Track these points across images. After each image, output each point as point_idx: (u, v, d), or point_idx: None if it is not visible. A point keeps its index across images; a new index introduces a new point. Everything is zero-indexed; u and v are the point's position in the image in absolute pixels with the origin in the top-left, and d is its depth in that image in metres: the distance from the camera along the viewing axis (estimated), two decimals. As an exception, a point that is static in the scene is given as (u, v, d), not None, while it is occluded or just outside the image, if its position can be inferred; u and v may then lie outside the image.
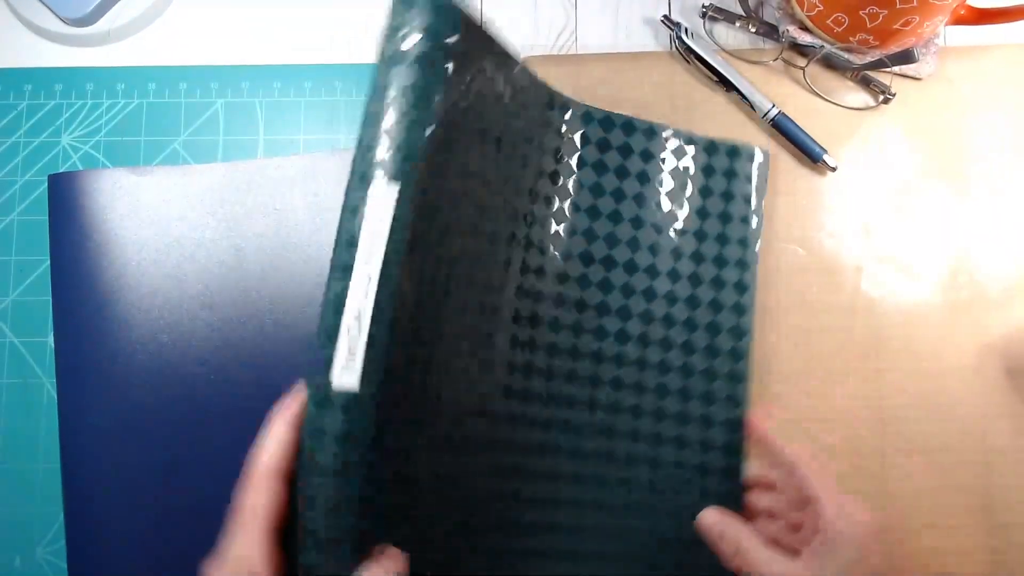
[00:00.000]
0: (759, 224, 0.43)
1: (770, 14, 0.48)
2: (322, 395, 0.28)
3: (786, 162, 0.46)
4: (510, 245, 0.40)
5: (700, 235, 0.43)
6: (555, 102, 0.42)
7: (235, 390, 0.42)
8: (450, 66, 0.32)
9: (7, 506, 0.42)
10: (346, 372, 0.28)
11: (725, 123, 0.46)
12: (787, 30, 0.46)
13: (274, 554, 0.27)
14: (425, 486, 0.33)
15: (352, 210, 0.30)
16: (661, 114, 0.46)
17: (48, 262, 0.44)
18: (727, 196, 0.43)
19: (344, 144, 0.46)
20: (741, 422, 0.41)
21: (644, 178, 0.43)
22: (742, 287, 0.42)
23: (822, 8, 0.44)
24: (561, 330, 0.41)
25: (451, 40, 0.32)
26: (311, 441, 0.28)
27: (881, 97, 0.46)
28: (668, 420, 0.41)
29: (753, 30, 0.47)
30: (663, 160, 0.43)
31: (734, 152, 0.44)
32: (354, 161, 0.31)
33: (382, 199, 0.30)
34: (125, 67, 0.47)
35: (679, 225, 0.43)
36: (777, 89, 0.46)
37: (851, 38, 0.45)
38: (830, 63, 0.46)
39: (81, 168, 0.45)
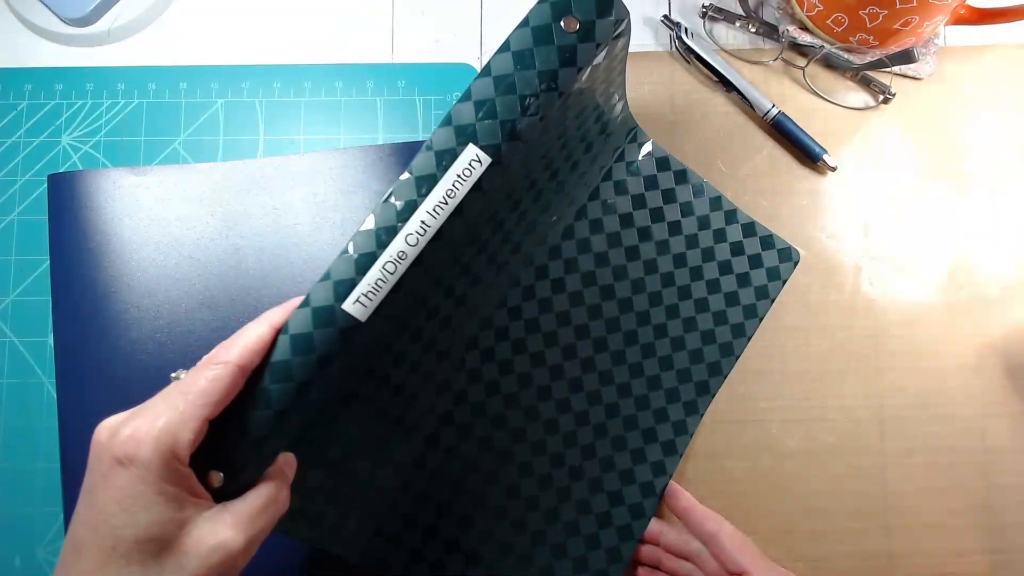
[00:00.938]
0: (758, 322, 0.43)
1: (770, 14, 0.48)
2: (326, 314, 0.28)
3: (786, 162, 0.46)
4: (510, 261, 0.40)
5: (701, 305, 0.43)
6: (635, 135, 0.44)
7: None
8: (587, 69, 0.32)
9: (7, 506, 0.42)
10: (360, 303, 0.29)
11: (725, 123, 0.46)
12: (787, 30, 0.46)
13: (198, 442, 0.27)
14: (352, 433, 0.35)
15: (441, 153, 0.30)
16: (661, 114, 0.46)
17: (48, 262, 0.44)
18: (743, 280, 0.43)
19: (344, 144, 0.46)
20: (658, 490, 0.41)
21: (676, 229, 0.43)
22: (716, 369, 0.42)
23: (822, 8, 0.44)
24: (533, 333, 0.42)
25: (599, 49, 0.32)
26: (293, 351, 0.28)
27: (881, 97, 0.46)
28: (594, 461, 0.41)
29: (753, 30, 0.47)
30: (699, 220, 0.43)
31: (768, 242, 0.44)
32: (458, 111, 0.30)
33: (477, 163, 0.30)
34: (125, 67, 0.47)
35: (687, 287, 0.43)
36: (777, 89, 0.46)
37: (851, 38, 0.45)
38: (830, 63, 0.46)
39: (81, 168, 0.45)
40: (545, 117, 0.31)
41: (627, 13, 0.32)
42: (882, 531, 0.42)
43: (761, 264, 0.43)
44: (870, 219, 0.45)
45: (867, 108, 0.46)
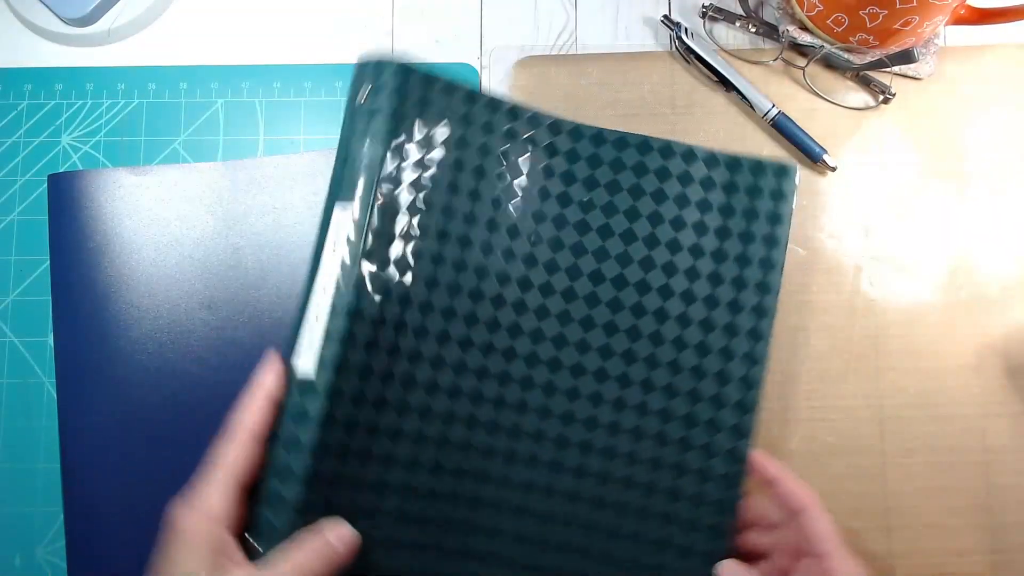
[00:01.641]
0: (784, 249, 0.41)
1: (770, 14, 0.48)
2: (289, 377, 0.34)
3: (786, 162, 0.46)
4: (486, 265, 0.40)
5: (718, 255, 0.41)
6: (531, 119, 0.42)
7: (234, 389, 0.42)
8: (408, 130, 0.37)
9: (7, 506, 0.42)
10: (305, 361, 0.34)
11: (725, 123, 0.46)
12: (787, 30, 0.46)
13: (238, 508, 0.30)
14: (381, 465, 0.36)
15: (323, 223, 0.36)
16: (661, 114, 0.46)
17: (48, 262, 0.44)
18: (750, 214, 0.41)
19: (344, 144, 0.46)
20: (744, 454, 0.39)
21: (660, 196, 0.42)
22: (761, 311, 0.40)
23: (822, 8, 0.44)
24: (542, 341, 0.40)
25: (409, 103, 0.37)
26: (279, 414, 0.33)
27: (881, 97, 0.46)
28: (670, 446, 0.40)
29: (753, 30, 0.47)
30: (679, 178, 0.42)
31: (759, 167, 0.42)
32: (331, 178, 0.36)
33: (344, 219, 0.35)
34: (125, 67, 0.47)
35: (697, 244, 0.41)
36: (777, 89, 0.46)
37: (851, 38, 0.45)
38: (830, 63, 0.46)
39: (81, 168, 0.45)
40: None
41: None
42: (882, 531, 0.42)
43: (761, 192, 0.41)
44: (870, 219, 0.45)
45: (867, 108, 0.46)
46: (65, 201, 0.44)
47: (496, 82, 0.47)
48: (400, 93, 0.37)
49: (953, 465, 0.43)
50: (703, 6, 0.47)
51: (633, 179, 0.42)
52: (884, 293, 0.44)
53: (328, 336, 0.34)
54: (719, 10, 0.47)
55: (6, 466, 0.43)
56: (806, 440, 0.43)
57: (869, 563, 0.35)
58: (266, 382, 0.33)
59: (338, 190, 0.36)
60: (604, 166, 0.42)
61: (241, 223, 0.44)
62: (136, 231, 0.44)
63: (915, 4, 0.41)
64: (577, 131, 0.42)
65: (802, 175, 0.46)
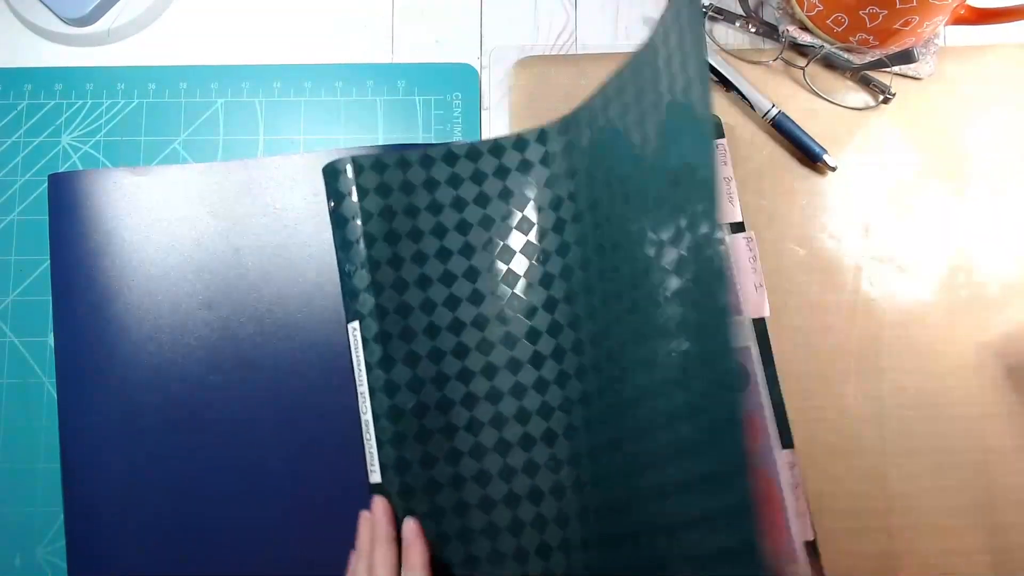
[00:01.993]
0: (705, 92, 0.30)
1: (770, 14, 0.48)
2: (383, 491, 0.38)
3: (786, 162, 0.46)
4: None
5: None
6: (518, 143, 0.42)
7: (234, 389, 0.42)
8: (380, 216, 0.40)
9: (7, 506, 0.42)
10: (373, 472, 0.38)
11: (725, 123, 0.46)
12: (787, 30, 0.46)
13: None
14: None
15: (347, 343, 0.39)
16: (661, 114, 0.46)
17: (48, 262, 0.44)
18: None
19: (344, 144, 0.46)
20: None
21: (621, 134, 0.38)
22: (694, 169, 0.30)
23: (822, 8, 0.44)
24: (565, 355, 0.40)
25: (371, 199, 0.40)
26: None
27: (881, 97, 0.46)
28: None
29: (753, 30, 0.47)
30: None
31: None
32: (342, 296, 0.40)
33: (356, 337, 0.39)
34: (125, 67, 0.47)
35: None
36: (777, 89, 0.46)
37: (851, 38, 0.45)
38: (830, 63, 0.46)
39: (81, 168, 0.45)
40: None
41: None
42: (882, 531, 0.42)
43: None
44: (870, 219, 0.45)
45: (867, 108, 0.46)
46: (65, 201, 0.44)
47: (496, 82, 0.47)
48: (361, 190, 0.39)
49: (953, 465, 0.43)
50: (703, 6, 0.47)
51: (587, 160, 0.40)
52: (884, 293, 0.44)
53: (379, 442, 0.37)
54: (719, 10, 0.47)
55: (6, 466, 0.43)
56: (806, 440, 0.43)
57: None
58: (411, 525, 0.37)
59: (346, 311, 0.39)
60: (556, 156, 0.41)
61: (241, 223, 0.44)
62: (136, 231, 0.44)
63: (915, 4, 0.41)
64: (521, 140, 0.42)
65: (802, 175, 0.46)
